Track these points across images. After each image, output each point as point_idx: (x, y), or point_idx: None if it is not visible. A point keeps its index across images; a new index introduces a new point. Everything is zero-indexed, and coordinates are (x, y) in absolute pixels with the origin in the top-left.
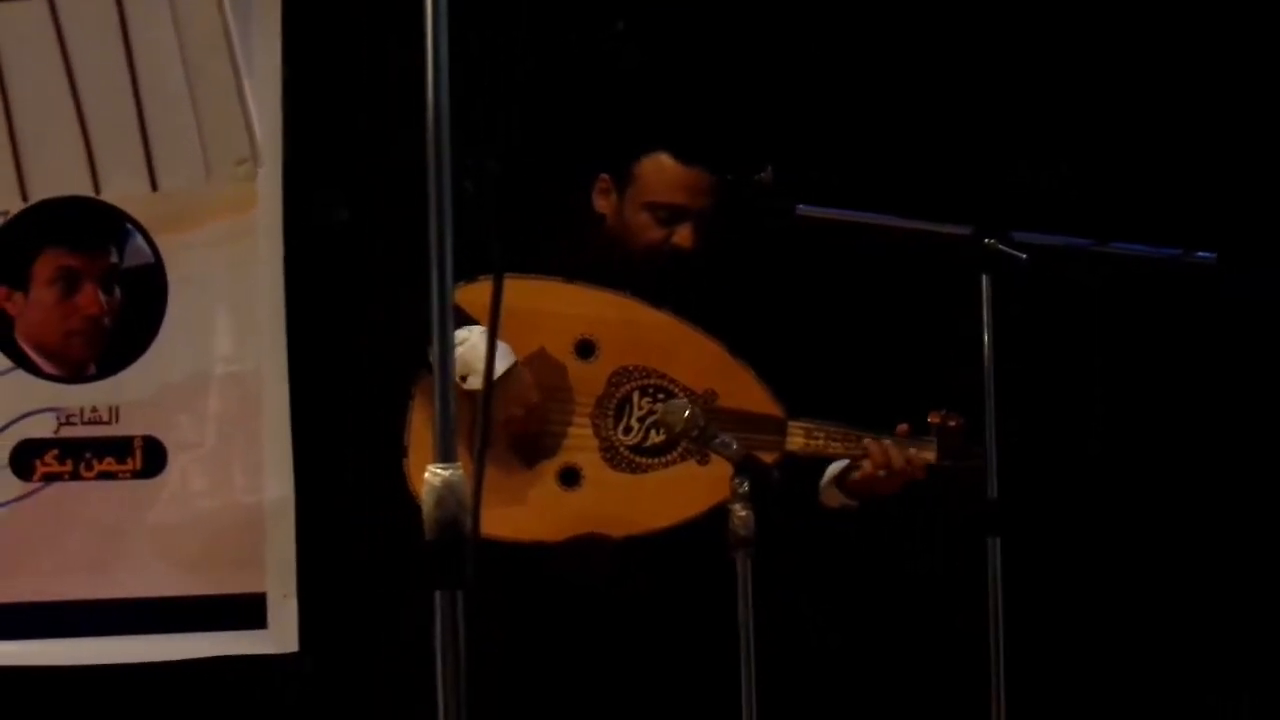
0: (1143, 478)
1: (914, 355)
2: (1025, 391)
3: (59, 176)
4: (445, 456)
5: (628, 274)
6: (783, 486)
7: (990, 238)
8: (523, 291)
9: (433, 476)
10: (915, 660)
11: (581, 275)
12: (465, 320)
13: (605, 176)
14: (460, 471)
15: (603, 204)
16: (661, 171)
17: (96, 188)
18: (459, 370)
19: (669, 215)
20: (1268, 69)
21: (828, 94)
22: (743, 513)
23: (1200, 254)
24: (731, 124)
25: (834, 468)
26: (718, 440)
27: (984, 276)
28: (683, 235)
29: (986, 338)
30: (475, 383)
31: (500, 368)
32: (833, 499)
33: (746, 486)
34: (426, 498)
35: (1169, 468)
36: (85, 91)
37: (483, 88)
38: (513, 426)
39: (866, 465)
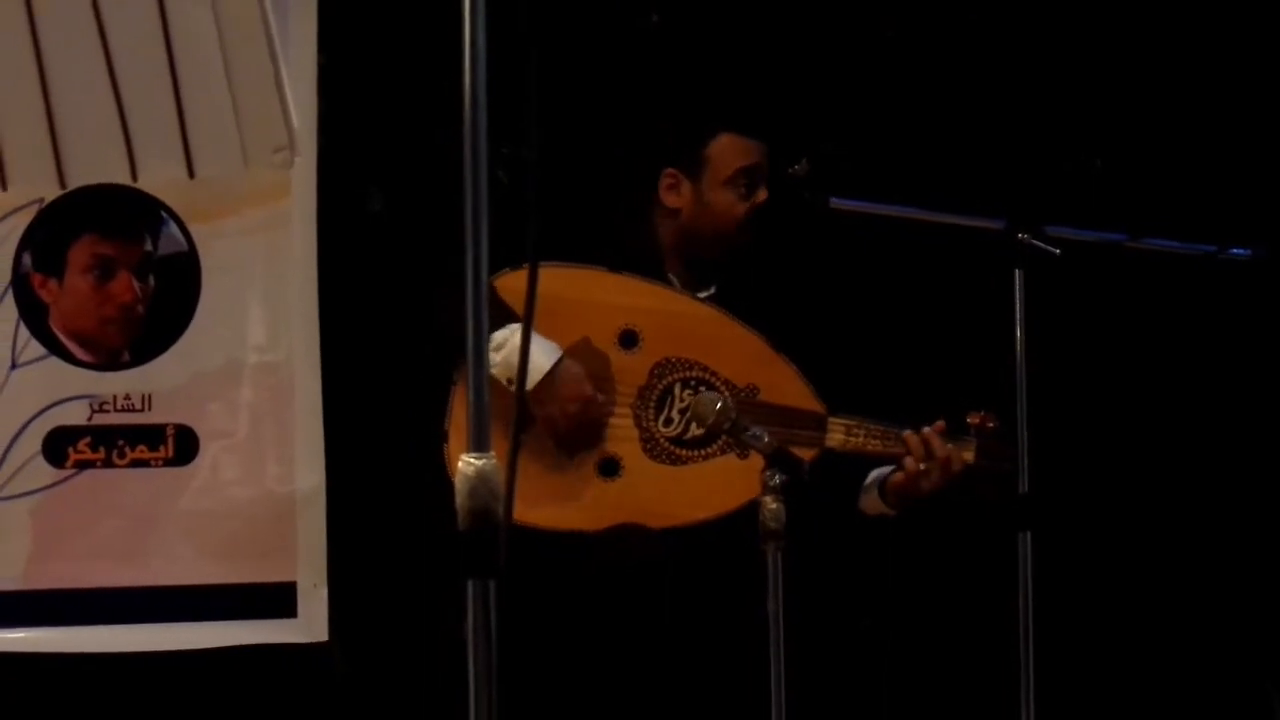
0: (1174, 473)
1: (946, 349)
2: (1057, 386)
3: (97, 163)
4: (478, 446)
5: (693, 262)
6: (822, 490)
7: (1023, 232)
8: (567, 281)
9: (466, 466)
10: (946, 654)
11: (628, 266)
12: (506, 316)
13: (672, 171)
14: (494, 461)
15: (673, 199)
16: (732, 147)
17: (134, 175)
18: (503, 374)
19: (749, 182)
20: None
21: (861, 87)
22: (773, 505)
23: (1235, 250)
24: (775, 111)
25: (875, 474)
26: (749, 432)
27: (1017, 271)
28: (763, 197)
29: (1019, 333)
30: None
31: (547, 364)
32: (873, 506)
33: (777, 479)
34: (459, 487)
35: (1201, 463)
36: (123, 79)
37: (524, 80)
38: (567, 422)
39: (909, 463)
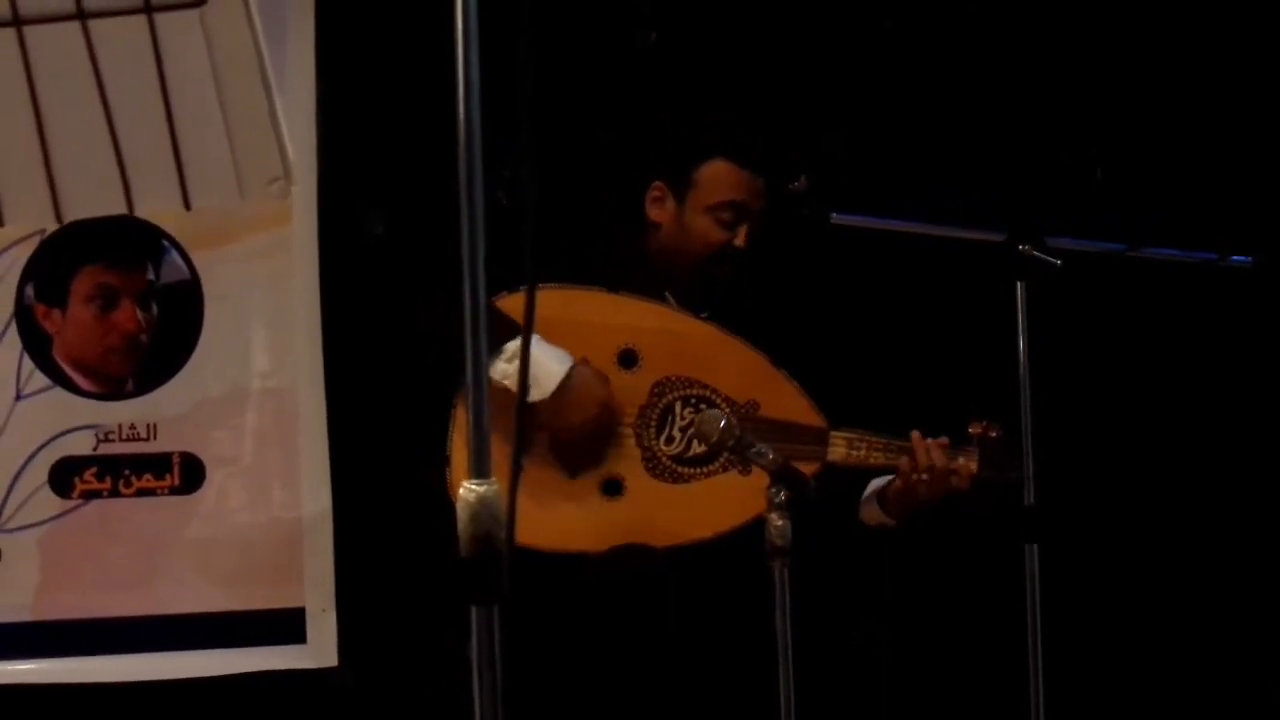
0: (1179, 481)
1: (949, 362)
2: (1061, 397)
3: (93, 197)
4: (479, 472)
5: (679, 281)
6: (820, 503)
7: (1024, 244)
8: (566, 302)
9: (467, 492)
10: (954, 668)
11: (626, 285)
12: (512, 329)
13: (659, 184)
14: (495, 486)
15: (657, 212)
16: (723, 175)
17: (130, 208)
18: (516, 384)
19: (734, 216)
20: None
21: (861, 102)
22: (779, 522)
23: (1235, 258)
24: (776, 132)
25: (875, 484)
26: (754, 449)
27: (1019, 282)
28: (742, 237)
29: (1021, 344)
30: (535, 394)
31: (560, 371)
32: (872, 516)
33: (783, 495)
34: (461, 513)
35: (1205, 471)
36: (118, 112)
37: (521, 99)
38: (588, 426)
39: (904, 463)
